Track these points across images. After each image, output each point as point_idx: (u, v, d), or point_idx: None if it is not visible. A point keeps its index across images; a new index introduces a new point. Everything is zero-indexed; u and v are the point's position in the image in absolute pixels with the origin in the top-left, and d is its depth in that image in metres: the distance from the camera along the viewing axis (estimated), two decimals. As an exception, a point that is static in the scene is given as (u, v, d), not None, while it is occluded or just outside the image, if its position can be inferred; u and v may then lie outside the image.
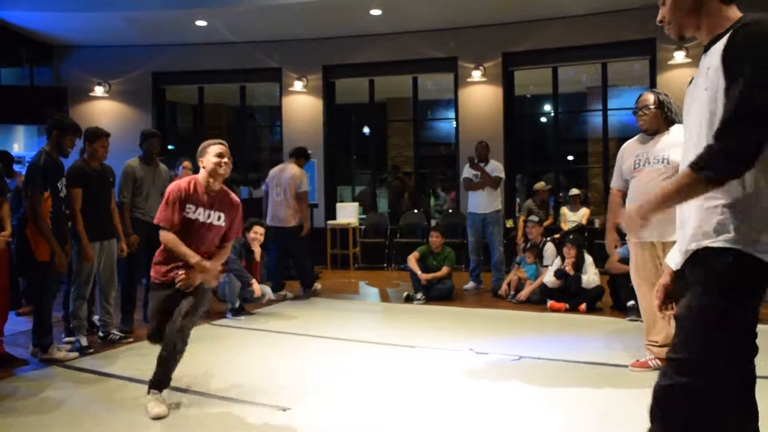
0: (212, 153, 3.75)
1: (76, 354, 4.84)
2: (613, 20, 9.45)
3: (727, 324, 1.89)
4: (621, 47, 9.72)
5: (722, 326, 1.89)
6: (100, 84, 11.09)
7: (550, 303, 6.60)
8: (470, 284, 8.00)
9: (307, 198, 7.82)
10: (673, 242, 2.20)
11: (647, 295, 4.15)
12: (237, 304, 6.39)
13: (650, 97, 4.33)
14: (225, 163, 3.76)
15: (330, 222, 10.40)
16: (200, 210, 3.71)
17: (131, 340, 5.39)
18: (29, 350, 4.86)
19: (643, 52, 9.66)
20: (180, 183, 3.71)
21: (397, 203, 12.05)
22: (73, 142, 4.91)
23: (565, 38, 9.82)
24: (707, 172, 1.84)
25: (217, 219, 3.77)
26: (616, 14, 9.40)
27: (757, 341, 1.94)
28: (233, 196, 3.97)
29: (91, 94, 11.11)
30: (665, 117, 4.28)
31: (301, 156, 7.83)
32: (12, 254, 4.92)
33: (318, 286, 7.88)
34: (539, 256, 7.25)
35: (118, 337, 5.34)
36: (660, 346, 4.21)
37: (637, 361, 4.39)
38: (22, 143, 11.26)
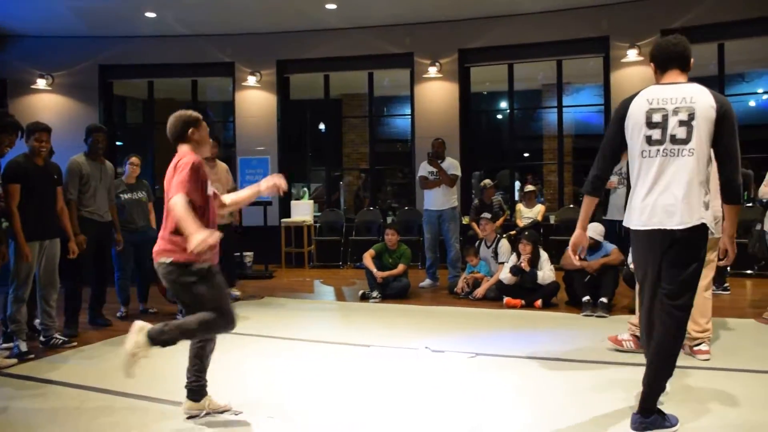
0: (204, 127, 3.68)
1: (14, 360, 4.61)
2: (568, 18, 9.54)
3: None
4: (575, 45, 9.82)
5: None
6: (42, 76, 10.67)
7: (506, 299, 6.61)
8: (426, 282, 7.95)
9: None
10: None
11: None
12: (188, 305, 6.20)
13: None
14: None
15: (284, 220, 10.23)
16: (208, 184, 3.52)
17: (75, 344, 5.17)
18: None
19: (597, 49, 9.77)
20: (198, 159, 3.46)
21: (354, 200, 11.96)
22: (12, 142, 4.66)
23: (521, 35, 9.87)
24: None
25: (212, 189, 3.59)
26: (571, 12, 9.50)
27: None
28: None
29: (33, 86, 10.68)
30: None
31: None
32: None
33: (237, 292, 7.23)
34: (494, 253, 7.24)
35: (60, 341, 5.11)
36: None
37: (615, 336, 4.65)
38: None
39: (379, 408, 3.57)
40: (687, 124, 2.94)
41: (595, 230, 6.26)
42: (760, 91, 11.37)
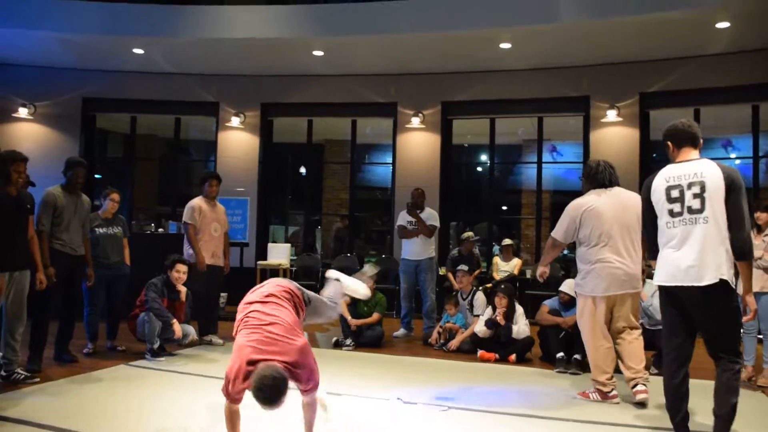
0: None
1: None
2: (550, 76, 9.79)
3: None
4: (557, 103, 10.05)
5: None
6: (24, 105, 10.63)
7: (480, 353, 6.55)
8: (401, 331, 7.89)
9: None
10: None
11: (601, 339, 4.80)
12: (156, 345, 6.07)
13: (583, 169, 5.14)
14: None
15: (260, 262, 10.14)
16: None
17: (38, 380, 5.00)
18: None
19: (577, 108, 10.00)
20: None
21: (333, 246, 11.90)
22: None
23: (504, 91, 10.09)
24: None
25: None
26: (553, 71, 9.75)
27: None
28: None
29: (14, 115, 10.63)
30: (590, 185, 4.96)
31: None
32: None
33: (219, 341, 6.94)
34: (470, 305, 7.22)
35: (22, 376, 4.94)
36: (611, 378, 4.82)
37: (583, 392, 4.94)
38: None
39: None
40: (700, 196, 3.44)
41: (570, 287, 6.27)
42: (733, 156, 11.66)
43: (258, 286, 3.65)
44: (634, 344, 4.81)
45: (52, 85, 10.75)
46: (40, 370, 5.26)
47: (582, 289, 4.85)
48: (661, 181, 3.58)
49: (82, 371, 5.43)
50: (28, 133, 10.67)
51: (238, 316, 3.38)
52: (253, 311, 3.32)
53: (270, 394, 2.90)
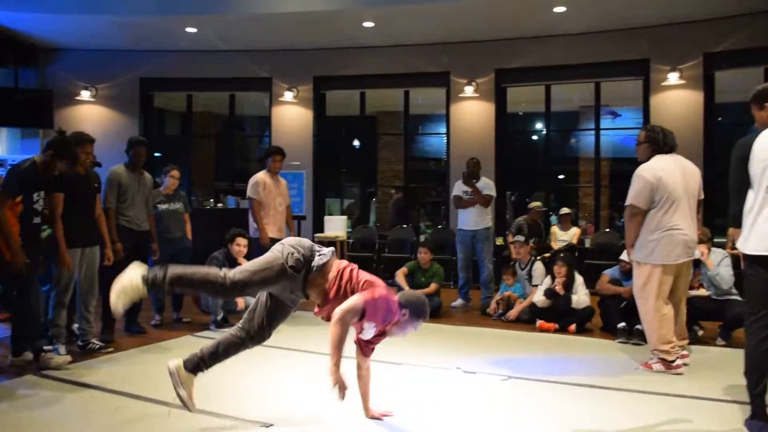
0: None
1: (69, 358, 4.72)
2: (607, 40, 9.47)
3: None
4: (614, 67, 9.73)
5: None
6: (86, 88, 10.93)
7: (539, 323, 6.51)
8: (458, 302, 7.89)
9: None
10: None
11: (664, 308, 4.70)
12: (220, 316, 6.25)
13: (641, 134, 4.98)
14: None
15: (317, 235, 10.25)
16: None
17: (111, 350, 5.25)
18: (8, 359, 4.74)
19: (636, 72, 9.67)
20: None
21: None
22: (64, 167, 4.77)
23: (559, 56, 9.83)
24: None
25: None
26: (610, 34, 9.43)
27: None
28: None
29: (77, 98, 10.95)
30: (653, 149, 4.83)
31: None
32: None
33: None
34: (528, 275, 7.16)
35: (97, 346, 5.19)
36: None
37: (645, 362, 4.83)
38: (5, 146, 11.07)
39: (408, 427, 3.54)
40: None
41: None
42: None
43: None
44: (685, 313, 4.90)
45: (111, 68, 11.01)
46: (112, 340, 5.50)
47: (650, 257, 4.68)
48: (764, 141, 3.36)
49: (151, 341, 5.65)
50: (91, 114, 10.99)
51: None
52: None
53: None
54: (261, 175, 6.98)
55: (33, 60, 10.92)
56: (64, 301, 4.91)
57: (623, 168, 13.49)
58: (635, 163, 5.02)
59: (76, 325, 5.32)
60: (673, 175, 4.67)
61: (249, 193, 6.92)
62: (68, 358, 4.71)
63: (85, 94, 10.93)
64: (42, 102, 10.47)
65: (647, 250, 4.70)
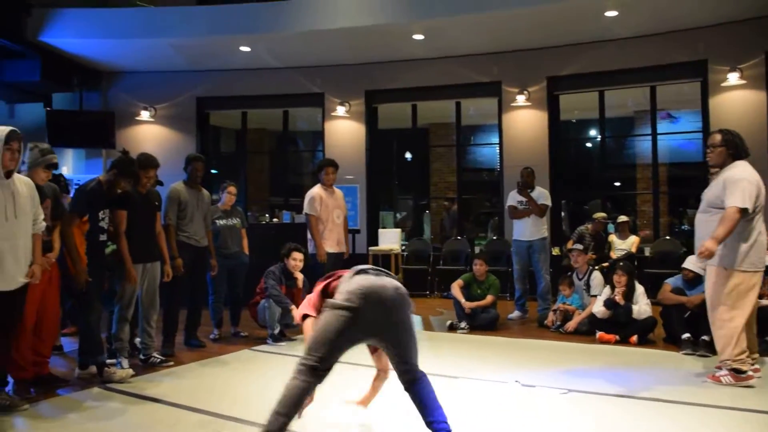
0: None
1: (131, 371, 4.85)
2: (662, 42, 9.24)
3: None
4: (670, 70, 9.48)
5: None
6: (146, 108, 11.29)
7: (599, 334, 6.34)
8: (515, 313, 7.78)
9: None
10: None
11: (749, 316, 4.57)
12: (277, 330, 6.32)
13: (717, 136, 4.75)
14: None
15: (372, 248, 10.30)
16: None
17: (171, 363, 5.36)
18: (75, 372, 4.89)
19: (693, 74, 9.39)
20: None
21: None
22: (126, 185, 4.93)
23: (612, 61, 9.64)
24: None
25: None
26: (665, 36, 9.20)
27: None
28: None
29: (138, 118, 11.31)
30: (730, 154, 4.66)
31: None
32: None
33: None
34: (586, 285, 7.01)
35: (158, 360, 5.31)
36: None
37: (712, 375, 4.67)
38: (70, 166, 11.51)
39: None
40: None
41: (695, 263, 5.97)
42: None
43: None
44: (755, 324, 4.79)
45: (169, 88, 11.35)
46: (173, 354, 5.63)
47: (741, 264, 4.47)
48: None
49: (210, 355, 5.75)
50: (150, 134, 11.34)
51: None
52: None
53: None
54: (316, 190, 6.94)
55: (96, 83, 11.37)
56: (126, 316, 5.05)
57: (682, 173, 13.17)
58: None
59: (138, 340, 5.47)
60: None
61: (306, 209, 6.89)
62: (131, 371, 4.83)
63: (144, 115, 11.29)
64: (104, 123, 10.87)
65: (739, 256, 4.49)
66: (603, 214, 8.90)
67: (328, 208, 6.89)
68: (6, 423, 3.75)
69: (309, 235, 6.87)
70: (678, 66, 9.42)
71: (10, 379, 4.31)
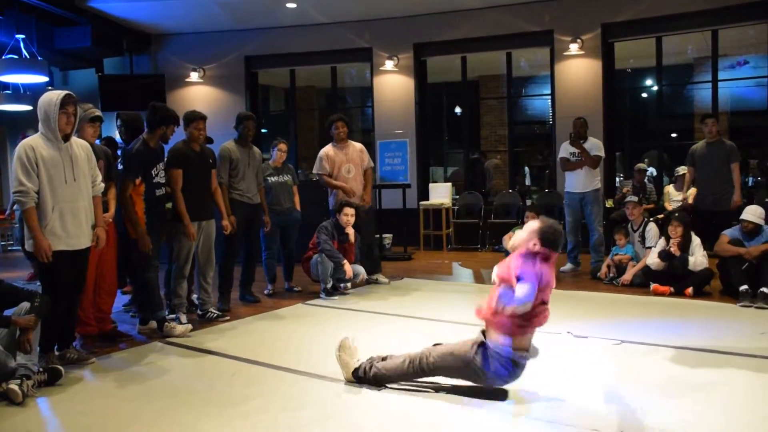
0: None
1: (189, 326, 4.99)
2: (725, -17, 8.80)
3: None
4: (734, 12, 9.02)
5: None
6: (195, 70, 11.42)
7: (653, 286, 6.24)
8: (568, 266, 7.70)
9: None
10: None
11: None
12: (330, 284, 6.42)
13: None
14: None
15: (423, 203, 10.30)
16: None
17: (228, 318, 5.51)
18: (137, 327, 5.10)
19: (758, 16, 8.92)
20: None
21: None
22: (173, 131, 5.03)
23: (670, 5, 9.23)
24: None
25: None
26: (729, -25, 8.75)
27: None
28: None
29: (187, 80, 11.47)
30: None
31: None
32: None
33: (384, 280, 7.22)
34: (641, 237, 6.87)
35: (215, 315, 5.47)
36: None
37: None
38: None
39: (517, 391, 3.51)
40: None
41: (755, 213, 5.79)
42: None
43: None
44: None
45: (217, 49, 11.43)
46: (228, 309, 5.79)
47: None
48: None
49: (265, 310, 5.89)
50: (200, 95, 11.49)
51: None
52: None
53: None
54: (324, 149, 7.04)
55: (145, 47, 11.55)
56: (184, 273, 5.21)
57: (745, 122, 12.64)
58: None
59: (195, 296, 5.65)
60: None
61: (314, 170, 7.10)
62: (189, 326, 4.99)
63: (194, 76, 11.43)
64: (155, 86, 11.06)
65: None
66: (641, 165, 8.68)
67: (336, 164, 6.95)
68: (75, 375, 3.95)
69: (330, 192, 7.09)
70: (742, 7, 8.94)
71: (77, 335, 4.51)
